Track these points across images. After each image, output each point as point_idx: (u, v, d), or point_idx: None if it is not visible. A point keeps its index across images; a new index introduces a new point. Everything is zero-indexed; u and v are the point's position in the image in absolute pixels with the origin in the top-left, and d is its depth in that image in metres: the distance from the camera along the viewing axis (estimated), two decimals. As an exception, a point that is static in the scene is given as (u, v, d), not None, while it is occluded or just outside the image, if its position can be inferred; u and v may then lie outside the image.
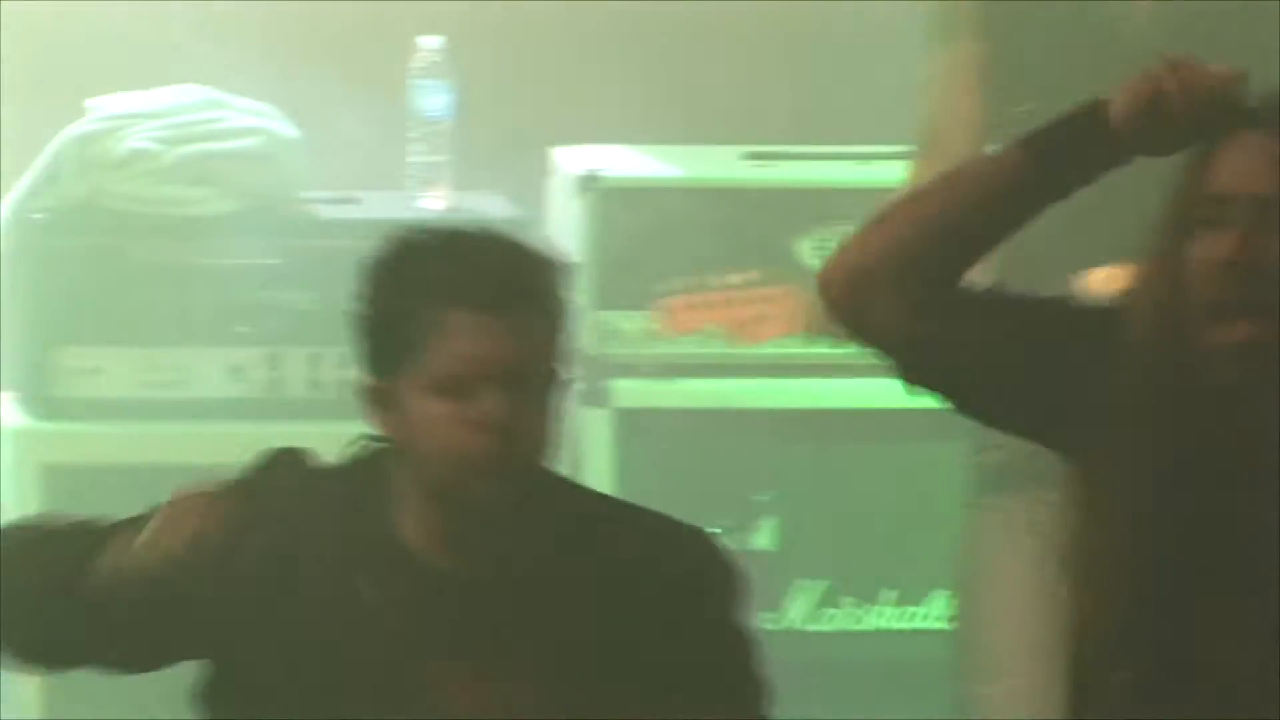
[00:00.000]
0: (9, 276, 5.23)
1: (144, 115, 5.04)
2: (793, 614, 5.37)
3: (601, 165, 5.33)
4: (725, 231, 5.26)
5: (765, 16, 6.53)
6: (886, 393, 3.43)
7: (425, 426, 2.89)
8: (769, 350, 5.47)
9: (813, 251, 5.19)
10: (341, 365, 4.83)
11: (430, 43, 5.27)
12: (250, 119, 5.01)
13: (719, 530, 5.27)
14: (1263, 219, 2.73)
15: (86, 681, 5.10)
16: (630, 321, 5.17)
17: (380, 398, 2.95)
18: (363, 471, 3.09)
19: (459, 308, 2.92)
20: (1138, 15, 4.33)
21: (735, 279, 4.99)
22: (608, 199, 5.21)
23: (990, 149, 3.82)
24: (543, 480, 3.06)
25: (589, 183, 5.19)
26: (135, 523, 2.91)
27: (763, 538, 5.27)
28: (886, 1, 6.14)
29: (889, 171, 5.04)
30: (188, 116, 5.09)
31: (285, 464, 3.17)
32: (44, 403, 5.01)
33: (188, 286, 4.86)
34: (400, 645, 3.06)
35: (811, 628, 5.38)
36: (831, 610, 5.39)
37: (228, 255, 5.03)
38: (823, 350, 4.93)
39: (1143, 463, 2.82)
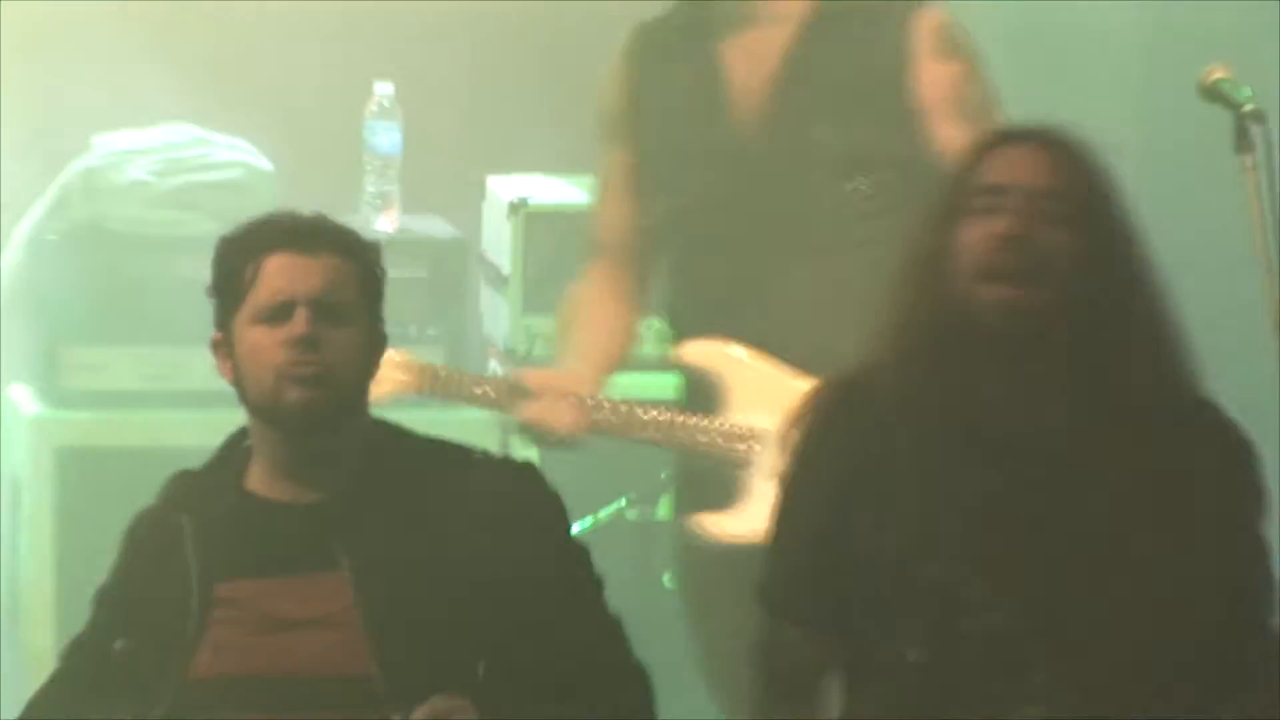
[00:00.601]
0: (27, 286, 5.83)
1: (141, 151, 5.67)
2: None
3: (528, 193, 5.96)
4: None
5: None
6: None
7: (251, 354, 3.29)
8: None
9: None
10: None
11: (384, 88, 5.85)
12: (231, 153, 5.63)
13: (626, 500, 5.76)
14: (1027, 206, 3.25)
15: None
16: (550, 325, 5.69)
17: (222, 347, 3.35)
18: (231, 444, 3.51)
19: (276, 251, 3.35)
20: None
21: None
22: (531, 221, 5.86)
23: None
24: (365, 420, 3.47)
25: (517, 207, 5.87)
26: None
27: (664, 509, 5.81)
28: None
29: None
30: (178, 152, 5.69)
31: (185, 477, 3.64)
32: (57, 394, 5.60)
33: (177, 295, 5.25)
34: (219, 564, 3.46)
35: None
36: None
37: (209, 269, 5.73)
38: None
39: (930, 429, 3.27)
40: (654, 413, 4.99)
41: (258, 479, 3.49)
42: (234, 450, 3.56)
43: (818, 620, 3.51)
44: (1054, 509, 3.44)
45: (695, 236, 5.06)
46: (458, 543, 3.48)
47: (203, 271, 4.97)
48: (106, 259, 5.62)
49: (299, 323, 3.36)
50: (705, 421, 4.96)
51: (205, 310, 5.07)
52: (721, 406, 4.96)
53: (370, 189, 5.82)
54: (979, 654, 3.36)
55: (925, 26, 4.97)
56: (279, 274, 3.44)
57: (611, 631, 3.56)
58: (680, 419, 4.98)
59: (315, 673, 3.50)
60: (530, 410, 4.94)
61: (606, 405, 5.04)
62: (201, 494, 3.57)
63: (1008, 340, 3.35)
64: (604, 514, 6.06)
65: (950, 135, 4.87)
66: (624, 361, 5.15)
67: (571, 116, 6.08)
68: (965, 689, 3.36)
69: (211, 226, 5.15)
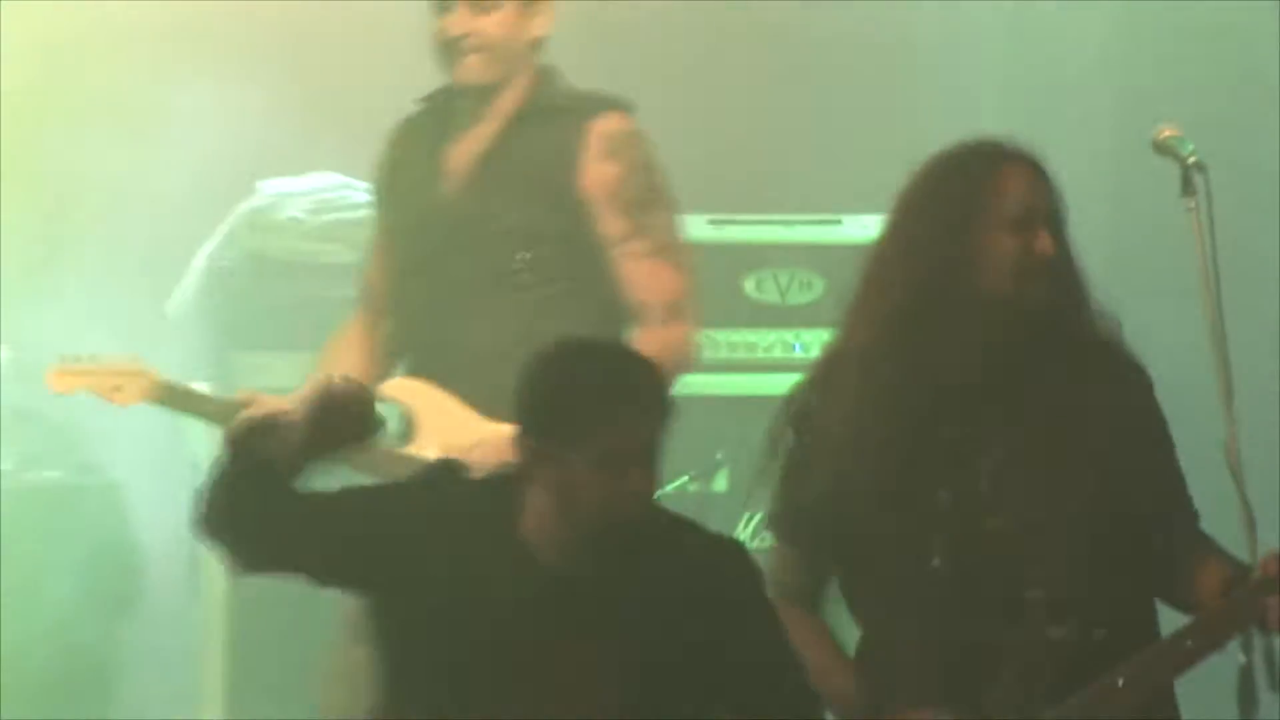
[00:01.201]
0: (205, 303, 6.84)
1: (296, 194, 6.75)
2: (740, 536, 6.65)
3: None
4: (697, 272, 6.40)
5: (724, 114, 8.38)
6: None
7: (587, 489, 3.78)
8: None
9: (754, 287, 6.94)
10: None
11: None
12: (365, 196, 6.43)
13: (688, 477, 6.63)
14: (1049, 225, 3.99)
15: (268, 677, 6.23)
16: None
17: (542, 457, 3.81)
18: (499, 487, 3.96)
19: (627, 406, 3.84)
20: (449, 206, 5.77)
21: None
22: None
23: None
24: None
25: None
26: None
27: (719, 484, 6.91)
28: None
29: (809, 232, 7.08)
30: (325, 194, 6.74)
31: (445, 471, 4.22)
32: (229, 389, 6.23)
33: (324, 309, 6.27)
34: (510, 620, 3.91)
35: (751, 544, 6.73)
36: (766, 533, 6.97)
37: (349, 289, 6.22)
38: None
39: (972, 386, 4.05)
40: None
41: (535, 537, 3.99)
42: (505, 490, 4.06)
43: (816, 545, 4.23)
44: (1044, 442, 4.19)
45: (409, 292, 5.72)
46: (691, 610, 4.04)
47: (342, 291, 5.95)
48: (268, 281, 6.59)
49: (640, 480, 4.09)
50: (395, 454, 5.50)
51: (343, 321, 5.85)
52: (413, 434, 5.60)
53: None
54: (987, 553, 4.12)
55: (596, 132, 5.63)
56: (628, 434, 4.11)
57: (800, 666, 4.11)
58: (381, 451, 5.33)
59: None
60: None
61: None
62: (478, 507, 4.13)
63: (1040, 323, 4.05)
64: (669, 489, 6.61)
65: (607, 225, 5.59)
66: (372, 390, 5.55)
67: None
68: (981, 583, 4.09)
69: (351, 256, 6.42)
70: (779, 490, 4.38)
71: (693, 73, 8.66)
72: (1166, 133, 4.81)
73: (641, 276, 5.78)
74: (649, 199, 5.68)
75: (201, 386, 5.99)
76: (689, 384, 6.18)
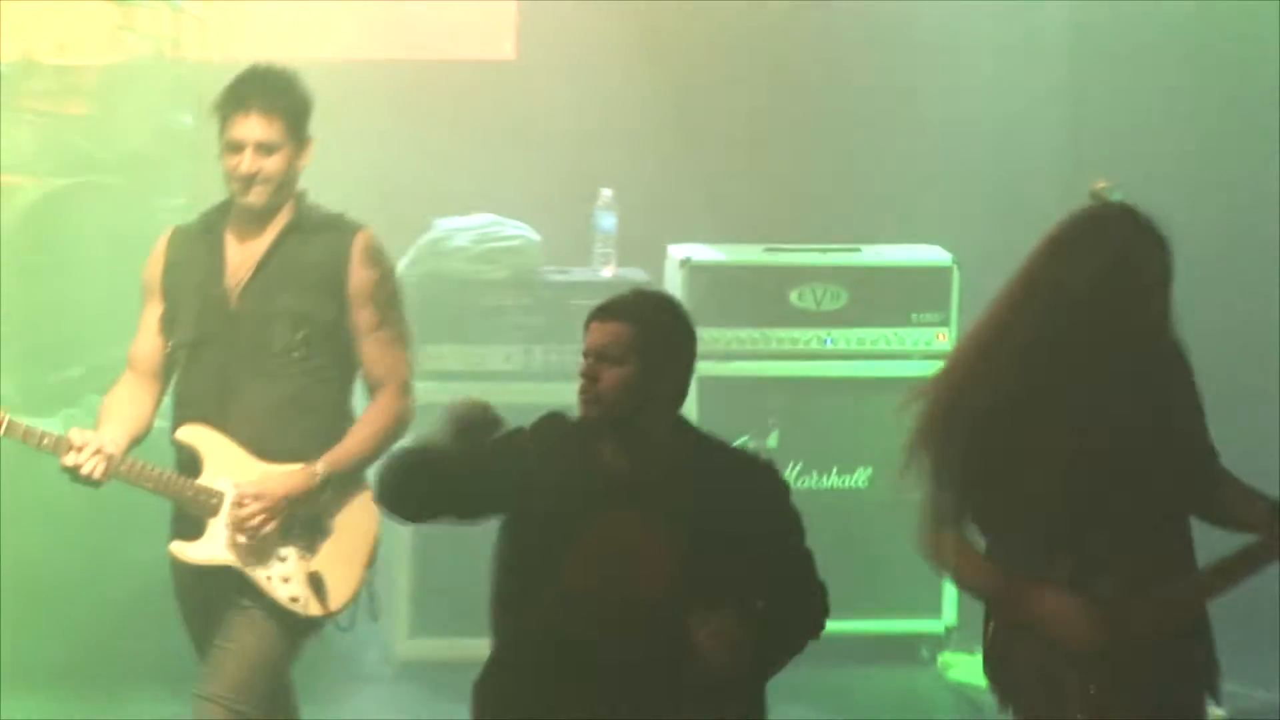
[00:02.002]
0: None
1: (462, 228, 8.17)
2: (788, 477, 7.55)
3: (692, 254, 8.45)
4: (751, 288, 8.49)
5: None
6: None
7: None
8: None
9: (796, 298, 8.45)
10: (548, 356, 8.01)
11: (606, 191, 8.42)
12: (516, 230, 8.19)
13: (747, 437, 8.01)
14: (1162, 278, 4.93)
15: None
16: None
17: None
18: (581, 424, 4.76)
19: (593, 320, 4.72)
20: (233, 295, 6.38)
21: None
22: (694, 273, 8.39)
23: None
24: (668, 420, 4.78)
25: (685, 263, 8.45)
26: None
27: (772, 442, 8.40)
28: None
29: (837, 257, 8.54)
30: (484, 229, 8.21)
31: (549, 417, 4.96)
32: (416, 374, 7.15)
33: (485, 315, 8.06)
34: (589, 509, 4.71)
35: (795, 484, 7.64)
36: (804, 476, 8.42)
37: (504, 299, 8.04)
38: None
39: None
40: (156, 471, 6.28)
41: (605, 454, 4.82)
42: (584, 423, 4.86)
43: (966, 487, 5.09)
44: (1138, 407, 4.99)
45: (195, 360, 6.36)
46: (737, 507, 4.82)
47: (498, 300, 7.72)
48: (442, 292, 8.07)
49: (585, 366, 4.82)
50: (187, 480, 6.19)
51: (499, 324, 7.52)
52: (200, 469, 6.21)
53: (598, 252, 8.32)
54: (1093, 479, 4.99)
55: (359, 244, 6.37)
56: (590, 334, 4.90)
57: (812, 560, 4.98)
58: (172, 476, 6.22)
59: (633, 596, 4.77)
60: (70, 459, 6.21)
61: (126, 461, 6.25)
62: (569, 440, 4.90)
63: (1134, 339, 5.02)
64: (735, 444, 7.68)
65: (362, 317, 6.32)
66: (142, 437, 6.43)
67: (721, 206, 9.23)
68: (1088, 497, 4.99)
69: (503, 275, 8.14)
70: (940, 445, 5.24)
71: (749, 127, 10.04)
72: (1100, 185, 5.33)
73: (385, 358, 6.44)
74: (394, 298, 6.43)
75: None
76: (749, 369, 8.46)
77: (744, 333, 8.70)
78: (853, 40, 10.27)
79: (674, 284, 8.48)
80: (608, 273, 8.55)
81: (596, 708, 4.96)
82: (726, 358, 8.45)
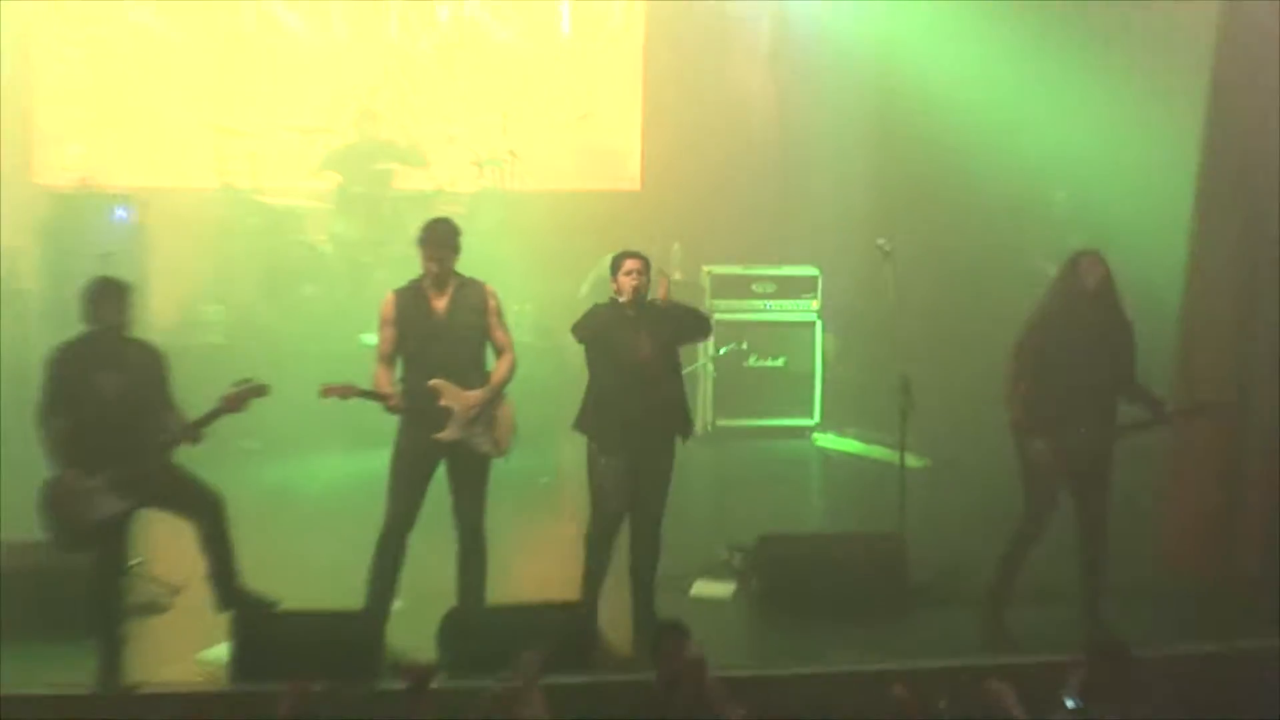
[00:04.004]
0: (590, 295, 12.47)
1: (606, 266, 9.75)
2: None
3: (712, 269, 13.52)
4: (736, 283, 13.49)
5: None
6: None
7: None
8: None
9: (757, 287, 13.58)
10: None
11: (676, 246, 13.52)
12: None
13: (732, 344, 13.20)
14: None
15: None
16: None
17: None
18: (620, 300, 8.90)
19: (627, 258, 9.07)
20: (439, 323, 9.39)
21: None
22: (713, 277, 13.58)
23: None
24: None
25: (709, 273, 13.64)
26: None
27: (743, 345, 13.43)
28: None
29: (774, 270, 13.75)
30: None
31: (605, 303, 9.25)
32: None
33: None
34: (625, 340, 9.07)
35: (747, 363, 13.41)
36: (752, 358, 13.50)
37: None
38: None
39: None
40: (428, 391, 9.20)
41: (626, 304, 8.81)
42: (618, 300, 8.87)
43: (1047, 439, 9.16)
44: (1090, 352, 9.22)
45: (421, 351, 9.28)
46: (678, 320, 9.29)
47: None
48: (602, 296, 9.81)
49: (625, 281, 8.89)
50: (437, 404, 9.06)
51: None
52: (440, 396, 9.18)
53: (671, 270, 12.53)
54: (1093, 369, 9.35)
55: (488, 289, 9.36)
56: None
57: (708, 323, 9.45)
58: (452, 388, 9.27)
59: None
60: (391, 402, 9.35)
61: (396, 398, 9.14)
62: (614, 308, 9.06)
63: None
64: (724, 351, 13.23)
65: (492, 321, 9.43)
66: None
67: (746, 231, 14.21)
68: (1090, 371, 9.34)
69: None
70: (1017, 350, 9.35)
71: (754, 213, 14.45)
72: (880, 241, 10.08)
73: (503, 340, 9.43)
74: (502, 312, 9.46)
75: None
76: (735, 317, 13.21)
77: (733, 302, 13.71)
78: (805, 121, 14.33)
79: (706, 283, 13.64)
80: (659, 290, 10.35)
81: (645, 410, 9.03)
82: (726, 311, 13.43)
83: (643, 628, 9.24)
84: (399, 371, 9.23)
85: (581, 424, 9.38)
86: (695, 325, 9.65)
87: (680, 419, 9.47)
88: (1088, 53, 12.55)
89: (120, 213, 13.33)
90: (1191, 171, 10.34)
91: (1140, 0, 12.08)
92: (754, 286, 13.76)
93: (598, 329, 9.39)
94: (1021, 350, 9.40)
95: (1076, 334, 9.34)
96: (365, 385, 9.13)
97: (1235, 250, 10.32)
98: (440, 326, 9.22)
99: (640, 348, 9.30)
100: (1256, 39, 9.96)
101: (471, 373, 9.26)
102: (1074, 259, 9.39)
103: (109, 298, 8.97)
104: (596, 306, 9.48)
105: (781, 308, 13.75)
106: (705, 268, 13.62)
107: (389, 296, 9.25)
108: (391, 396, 9.07)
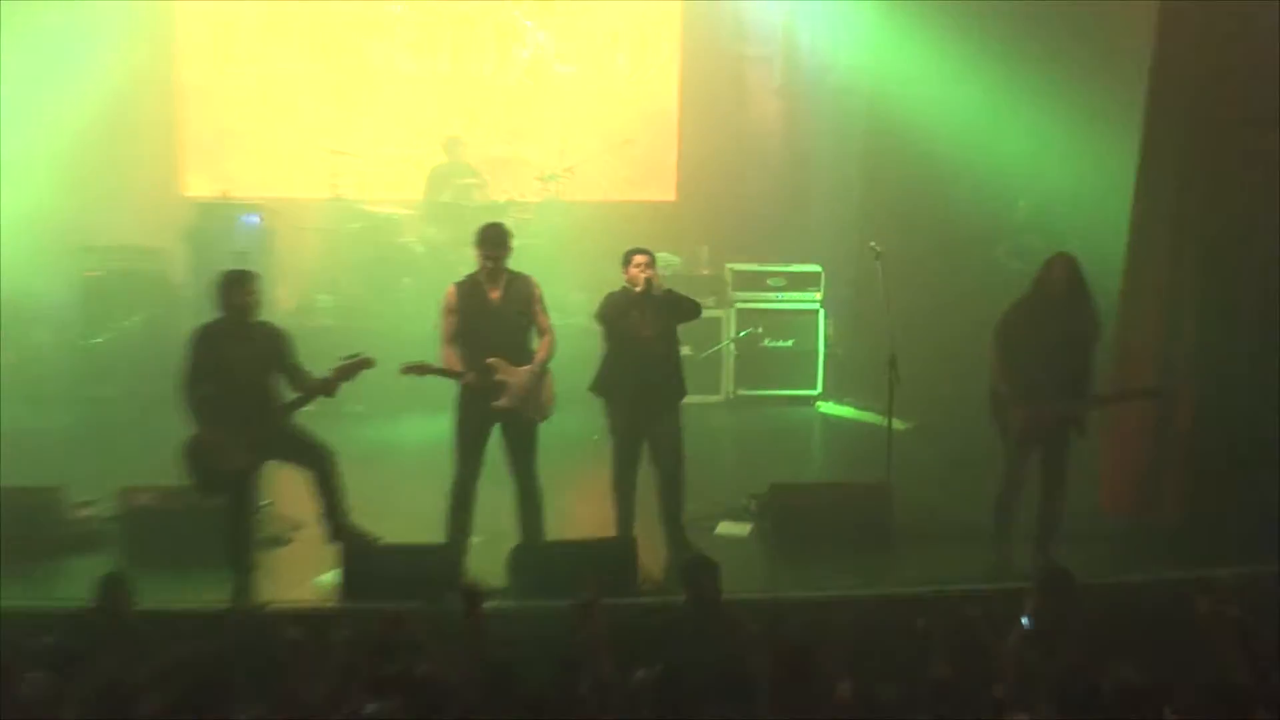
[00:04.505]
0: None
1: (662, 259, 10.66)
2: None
3: (734, 266, 13.44)
4: (753, 278, 13.39)
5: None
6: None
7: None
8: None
9: (771, 280, 13.43)
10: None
11: (703, 248, 13.46)
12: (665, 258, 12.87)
13: (749, 329, 13.13)
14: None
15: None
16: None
17: None
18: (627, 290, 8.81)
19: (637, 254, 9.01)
20: (495, 307, 9.23)
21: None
22: (734, 273, 13.47)
23: None
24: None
25: (732, 270, 13.54)
26: None
27: (759, 329, 13.37)
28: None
29: (785, 267, 13.66)
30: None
31: (614, 292, 9.11)
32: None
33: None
34: (637, 315, 9.07)
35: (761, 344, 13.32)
36: (765, 341, 13.43)
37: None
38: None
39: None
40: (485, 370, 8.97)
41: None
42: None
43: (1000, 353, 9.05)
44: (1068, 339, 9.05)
45: (474, 334, 9.16)
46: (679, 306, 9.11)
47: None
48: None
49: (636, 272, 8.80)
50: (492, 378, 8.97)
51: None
52: (497, 372, 9.13)
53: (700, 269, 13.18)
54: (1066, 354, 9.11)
55: (533, 281, 9.28)
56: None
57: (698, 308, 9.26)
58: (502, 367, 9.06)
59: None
60: (467, 378, 9.17)
61: (468, 376, 8.99)
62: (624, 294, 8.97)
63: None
64: (743, 334, 13.23)
65: (537, 309, 9.34)
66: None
67: (762, 235, 14.18)
68: (1054, 364, 9.19)
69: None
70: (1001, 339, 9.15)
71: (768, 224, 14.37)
72: (872, 244, 10.02)
73: (545, 323, 9.33)
74: (544, 300, 9.37)
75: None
76: (752, 306, 13.12)
77: (751, 293, 13.68)
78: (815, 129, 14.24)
79: (729, 277, 13.57)
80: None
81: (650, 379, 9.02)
82: (744, 301, 13.50)
83: (676, 559, 9.20)
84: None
85: (597, 387, 9.41)
86: (689, 309, 9.52)
87: (677, 384, 9.47)
88: (1041, 84, 12.39)
89: (251, 219, 13.58)
90: (1130, 180, 10.30)
91: (1081, 35, 11.99)
92: (768, 280, 13.73)
93: (614, 311, 9.35)
94: (1002, 333, 9.34)
95: (1048, 323, 9.28)
96: (437, 364, 9.17)
97: (1165, 249, 10.25)
98: (495, 313, 9.16)
99: (646, 326, 9.31)
100: (1191, 47, 9.94)
101: (520, 351, 9.21)
102: (1049, 260, 9.37)
103: (237, 286, 9.01)
104: (612, 293, 9.42)
105: (790, 298, 13.74)
106: (728, 265, 13.68)
107: (451, 289, 9.21)
108: (466, 373, 9.05)
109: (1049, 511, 9.45)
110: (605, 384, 9.43)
